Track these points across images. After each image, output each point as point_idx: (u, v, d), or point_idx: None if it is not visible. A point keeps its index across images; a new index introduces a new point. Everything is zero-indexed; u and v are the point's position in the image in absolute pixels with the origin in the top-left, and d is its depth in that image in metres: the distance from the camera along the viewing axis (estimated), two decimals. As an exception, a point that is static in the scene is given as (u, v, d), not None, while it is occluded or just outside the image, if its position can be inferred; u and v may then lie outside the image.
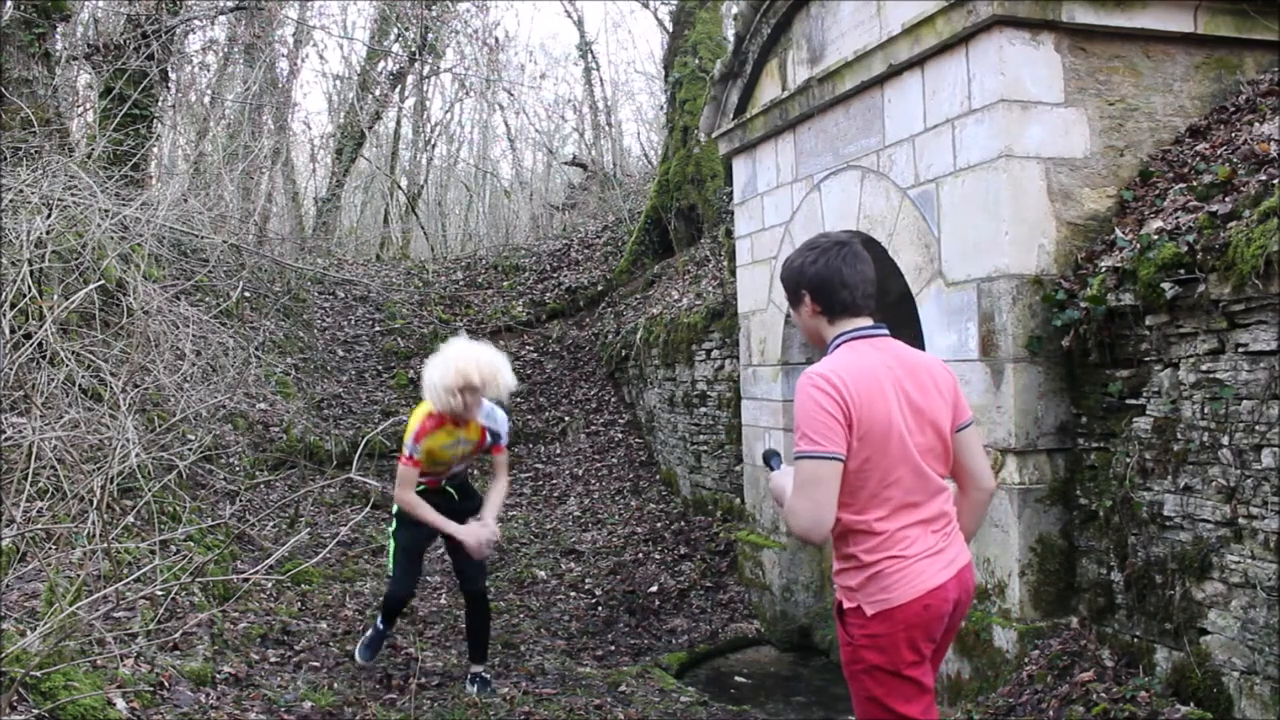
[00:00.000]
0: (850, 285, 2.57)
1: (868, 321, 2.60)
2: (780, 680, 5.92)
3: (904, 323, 5.35)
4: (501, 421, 4.77)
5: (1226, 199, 3.83)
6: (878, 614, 2.46)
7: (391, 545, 4.81)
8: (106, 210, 6.42)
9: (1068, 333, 4.24)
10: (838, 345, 2.58)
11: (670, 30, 14.01)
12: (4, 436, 4.34)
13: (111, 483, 4.41)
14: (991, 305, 4.48)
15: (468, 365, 4.35)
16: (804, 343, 6.56)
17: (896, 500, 2.48)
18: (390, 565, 4.86)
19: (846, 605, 2.53)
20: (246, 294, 10.04)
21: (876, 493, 2.46)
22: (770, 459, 2.82)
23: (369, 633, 5.12)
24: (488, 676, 4.95)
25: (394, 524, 4.78)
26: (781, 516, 2.62)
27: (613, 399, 10.75)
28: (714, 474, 8.06)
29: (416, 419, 4.50)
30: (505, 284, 13.19)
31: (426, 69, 18.83)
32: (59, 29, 9.53)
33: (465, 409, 4.40)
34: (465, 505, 4.81)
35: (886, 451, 2.45)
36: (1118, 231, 4.27)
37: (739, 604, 6.86)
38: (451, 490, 4.81)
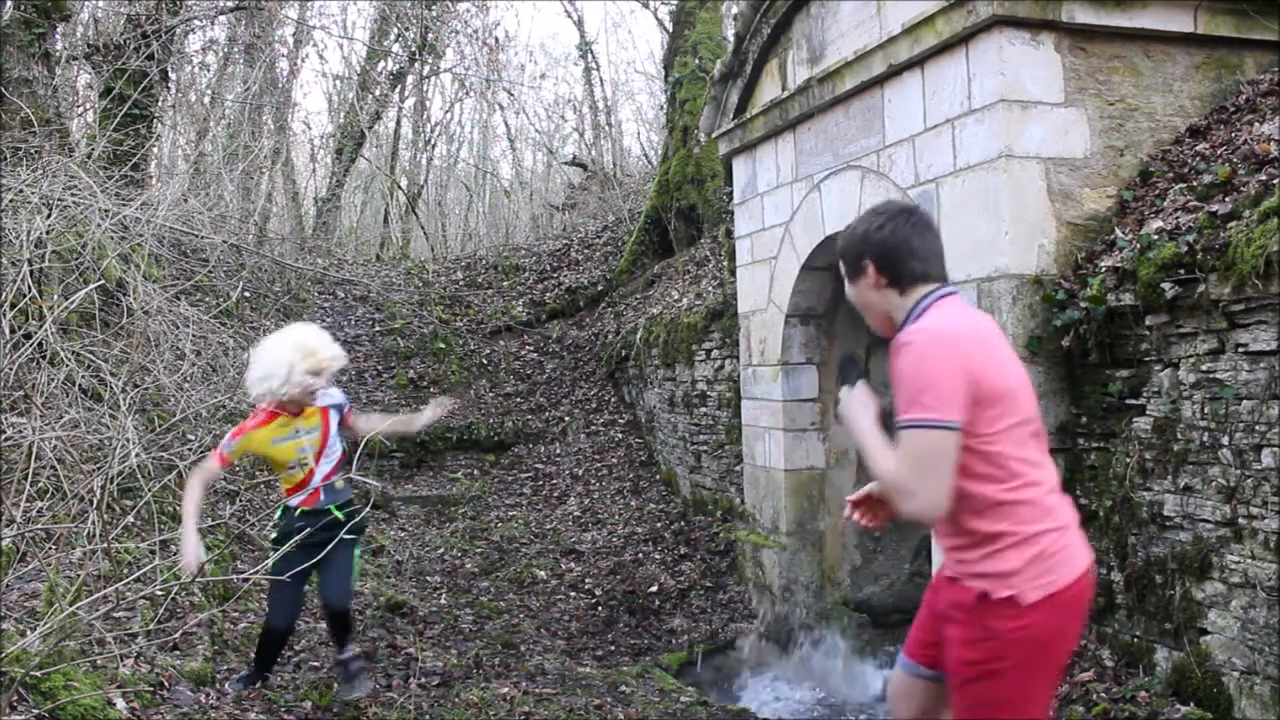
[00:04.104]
0: (920, 255, 2.33)
1: (943, 285, 2.37)
2: (781, 679, 5.93)
3: (904, 323, 5.35)
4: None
5: (1226, 199, 3.83)
6: (1041, 600, 2.17)
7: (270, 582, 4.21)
8: (106, 210, 6.42)
9: (1068, 333, 4.24)
10: (927, 305, 2.31)
11: (670, 30, 14.02)
12: (4, 436, 4.34)
13: (111, 483, 4.40)
14: (991, 305, 4.48)
15: (322, 346, 4.09)
16: (804, 342, 6.56)
17: (1036, 463, 2.25)
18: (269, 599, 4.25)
19: (997, 595, 2.20)
20: (246, 294, 10.05)
21: (1021, 456, 2.22)
22: (847, 369, 2.51)
23: (244, 671, 4.42)
24: (360, 658, 4.44)
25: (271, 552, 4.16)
26: (879, 475, 2.24)
27: (613, 399, 10.75)
28: (714, 474, 8.06)
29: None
30: (505, 284, 13.19)
31: (426, 69, 18.83)
32: (59, 29, 9.54)
33: (312, 394, 4.12)
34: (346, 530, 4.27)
35: (1017, 410, 2.21)
36: (1118, 231, 4.27)
37: (739, 604, 6.86)
38: (339, 514, 4.24)
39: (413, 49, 17.07)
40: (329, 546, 4.13)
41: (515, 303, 12.59)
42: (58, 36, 9.85)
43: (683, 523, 8.11)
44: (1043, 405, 4.38)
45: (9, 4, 8.13)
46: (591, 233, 14.84)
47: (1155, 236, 3.94)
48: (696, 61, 11.41)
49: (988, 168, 4.50)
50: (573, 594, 7.05)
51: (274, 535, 4.26)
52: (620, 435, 10.12)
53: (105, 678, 3.53)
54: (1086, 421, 4.31)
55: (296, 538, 3.87)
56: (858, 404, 2.38)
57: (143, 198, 7.79)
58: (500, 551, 7.85)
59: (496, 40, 17.46)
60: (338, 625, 4.38)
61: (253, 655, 4.46)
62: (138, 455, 4.67)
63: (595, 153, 20.01)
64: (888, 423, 2.32)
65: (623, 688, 5.20)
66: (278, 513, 4.29)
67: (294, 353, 4.04)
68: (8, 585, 3.84)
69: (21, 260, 5.28)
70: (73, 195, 6.35)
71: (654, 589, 7.03)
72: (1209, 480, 3.65)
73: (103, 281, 5.95)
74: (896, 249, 2.33)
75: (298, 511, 4.18)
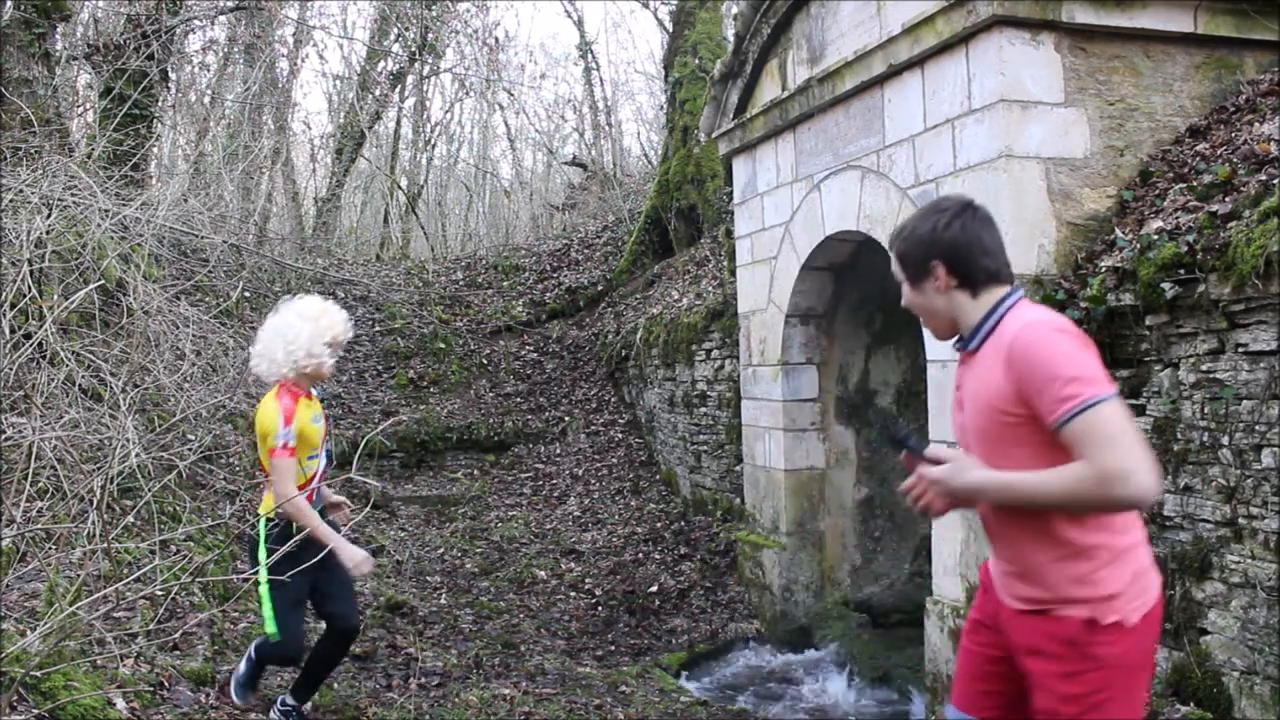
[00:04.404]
0: (991, 252, 2.19)
1: (1012, 290, 2.22)
2: (780, 680, 5.93)
3: (905, 323, 5.35)
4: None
5: (1226, 199, 3.83)
6: (1140, 620, 2.05)
7: (268, 605, 3.79)
8: (106, 210, 6.42)
9: (1068, 333, 4.24)
10: (1012, 306, 2.17)
11: (670, 30, 14.02)
12: (4, 436, 4.34)
13: (111, 483, 4.40)
14: (991, 305, 4.48)
15: (337, 317, 3.88)
16: (804, 342, 6.56)
17: None
18: (272, 625, 3.80)
19: (1105, 619, 2.04)
20: (246, 294, 10.05)
21: None
22: (898, 442, 2.26)
23: (242, 667, 4.12)
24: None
25: (264, 579, 3.76)
26: (1069, 490, 1.97)
27: (613, 399, 10.75)
28: (714, 474, 8.06)
29: (272, 403, 3.77)
30: (505, 284, 13.19)
31: (426, 69, 18.83)
32: (59, 29, 9.54)
33: (328, 366, 3.89)
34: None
35: None
36: (1118, 231, 4.27)
37: (739, 604, 6.86)
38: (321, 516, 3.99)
39: (413, 49, 17.07)
40: (321, 555, 3.82)
41: (515, 303, 12.59)
42: (58, 36, 9.85)
43: (683, 523, 8.11)
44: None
45: (9, 4, 8.13)
46: (591, 233, 14.84)
47: (1155, 236, 3.94)
48: (696, 61, 11.41)
49: (988, 168, 4.50)
50: (573, 594, 7.05)
51: (265, 548, 3.78)
52: (620, 435, 10.12)
53: (105, 678, 3.53)
54: (1086, 421, 4.30)
55: (296, 538, 3.63)
56: (958, 468, 2.14)
57: (143, 198, 7.79)
58: (500, 551, 7.85)
59: (496, 40, 17.47)
60: (341, 649, 4.10)
61: (252, 656, 4.17)
62: (138, 455, 4.66)
63: (595, 153, 20.01)
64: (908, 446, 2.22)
65: (623, 688, 5.20)
66: (261, 523, 3.85)
67: (308, 324, 3.82)
68: (8, 585, 3.84)
69: (21, 260, 5.28)
70: (73, 195, 6.35)
71: (654, 589, 7.03)
72: (1209, 480, 3.65)
73: (103, 281, 5.95)
74: (969, 247, 2.18)
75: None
